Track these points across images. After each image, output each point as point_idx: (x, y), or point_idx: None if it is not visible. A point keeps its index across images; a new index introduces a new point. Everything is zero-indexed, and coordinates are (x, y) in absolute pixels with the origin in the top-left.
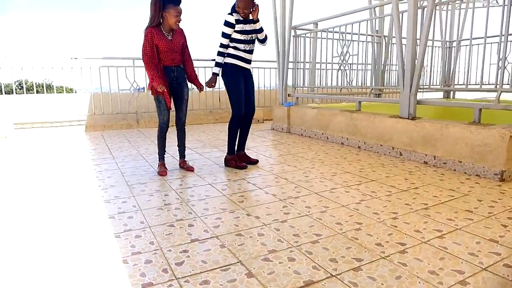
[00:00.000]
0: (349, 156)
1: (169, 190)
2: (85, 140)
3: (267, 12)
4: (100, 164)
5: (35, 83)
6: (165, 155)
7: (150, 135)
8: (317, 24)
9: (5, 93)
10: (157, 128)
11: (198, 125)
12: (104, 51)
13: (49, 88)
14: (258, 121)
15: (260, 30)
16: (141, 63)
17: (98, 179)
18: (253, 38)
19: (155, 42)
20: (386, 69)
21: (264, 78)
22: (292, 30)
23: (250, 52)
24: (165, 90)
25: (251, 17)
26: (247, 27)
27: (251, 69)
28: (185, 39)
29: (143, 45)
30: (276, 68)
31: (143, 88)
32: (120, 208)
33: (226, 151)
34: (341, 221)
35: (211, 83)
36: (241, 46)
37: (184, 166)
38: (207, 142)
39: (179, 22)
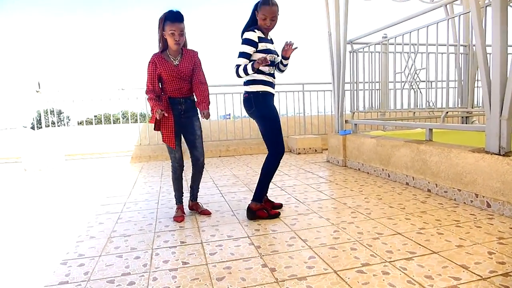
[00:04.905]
0: (411, 204)
1: (146, 249)
2: (121, 173)
3: (319, 27)
4: (108, 204)
5: (86, 116)
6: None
7: (188, 166)
8: (386, 36)
9: (58, 125)
10: (171, 169)
11: (247, 155)
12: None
13: (98, 119)
14: (316, 151)
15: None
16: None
17: (87, 225)
18: (276, 60)
19: (158, 71)
20: (475, 85)
21: (324, 102)
22: (348, 45)
23: (274, 75)
24: (165, 113)
25: (273, 46)
26: (270, 46)
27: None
28: (198, 62)
29: (146, 78)
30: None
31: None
32: (68, 275)
33: (252, 197)
34: None
35: (264, 60)
36: (265, 69)
37: (198, 210)
38: (243, 178)
39: (177, 41)
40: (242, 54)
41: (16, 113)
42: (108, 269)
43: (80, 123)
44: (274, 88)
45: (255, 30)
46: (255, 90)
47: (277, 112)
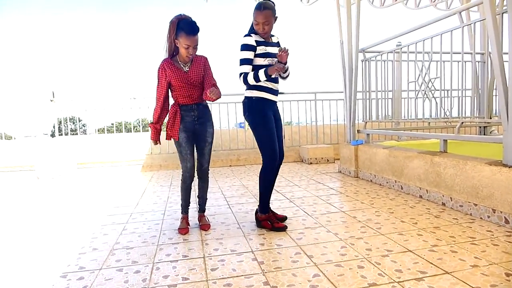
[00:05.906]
0: (424, 219)
1: (147, 263)
2: (131, 182)
3: (331, 35)
4: (115, 214)
5: (99, 125)
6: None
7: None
8: (400, 44)
9: (71, 134)
10: (181, 178)
11: (258, 165)
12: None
13: (114, 127)
14: (328, 160)
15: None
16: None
17: (92, 236)
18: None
19: (168, 78)
20: (494, 94)
21: (337, 111)
22: (360, 54)
23: (276, 81)
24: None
25: (276, 50)
26: (270, 49)
27: (277, 102)
28: (207, 67)
29: (156, 85)
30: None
31: None
32: None
33: (259, 208)
34: None
35: (279, 67)
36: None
37: (200, 222)
38: (251, 188)
39: (190, 54)
40: (244, 61)
41: (33, 121)
42: (107, 284)
43: (95, 132)
44: (275, 95)
45: (251, 35)
46: (250, 96)
47: (271, 121)
